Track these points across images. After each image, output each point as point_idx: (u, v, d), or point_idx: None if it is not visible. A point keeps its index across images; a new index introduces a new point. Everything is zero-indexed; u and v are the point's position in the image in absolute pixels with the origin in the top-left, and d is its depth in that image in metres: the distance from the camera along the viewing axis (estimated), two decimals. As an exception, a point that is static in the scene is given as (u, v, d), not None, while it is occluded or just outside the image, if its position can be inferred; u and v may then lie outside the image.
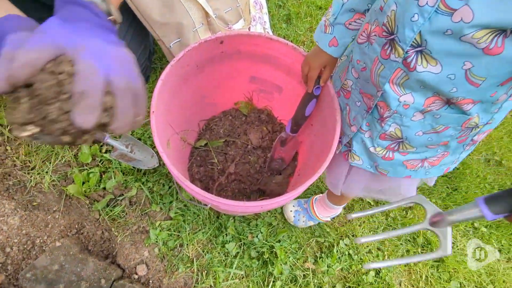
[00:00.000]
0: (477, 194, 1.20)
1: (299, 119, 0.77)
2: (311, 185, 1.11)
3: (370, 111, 0.57)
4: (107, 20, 0.41)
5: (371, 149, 0.61)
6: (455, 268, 1.06)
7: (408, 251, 1.08)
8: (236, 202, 0.57)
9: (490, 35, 0.38)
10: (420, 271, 1.05)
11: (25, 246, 1.01)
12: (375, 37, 0.50)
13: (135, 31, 0.99)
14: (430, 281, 1.04)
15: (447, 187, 1.22)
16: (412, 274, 1.05)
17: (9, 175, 1.05)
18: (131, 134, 1.07)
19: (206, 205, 0.68)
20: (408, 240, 1.10)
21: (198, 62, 0.78)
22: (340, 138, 0.68)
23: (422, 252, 1.08)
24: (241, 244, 0.98)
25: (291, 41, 1.34)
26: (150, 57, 1.13)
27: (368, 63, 0.53)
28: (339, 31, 0.60)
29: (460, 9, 0.38)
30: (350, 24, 0.59)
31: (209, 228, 0.99)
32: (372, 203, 1.12)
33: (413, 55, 0.45)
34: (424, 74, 0.45)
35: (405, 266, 1.06)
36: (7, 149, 1.06)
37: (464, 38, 0.39)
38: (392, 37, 0.46)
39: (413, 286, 1.04)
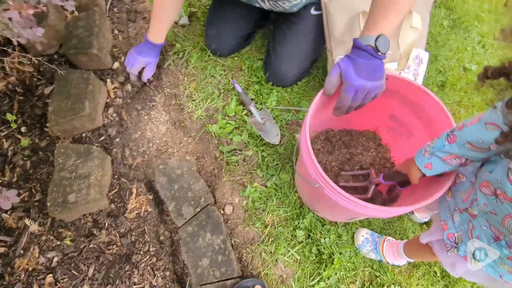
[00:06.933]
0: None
1: (393, 176, 0.90)
2: (392, 225, 1.20)
3: (498, 241, 0.62)
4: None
5: (497, 263, 0.65)
6: None
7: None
8: (350, 195, 0.72)
9: None
10: None
11: (161, 149, 1.33)
12: (506, 200, 0.56)
13: (322, 38, 1.25)
14: None
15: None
16: None
17: (176, 97, 1.40)
18: (271, 112, 1.32)
19: (316, 185, 0.85)
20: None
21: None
22: (456, 244, 0.73)
23: None
24: (309, 236, 1.13)
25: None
26: (313, 62, 1.37)
27: (498, 212, 0.59)
28: (435, 161, 0.73)
29: None
30: (445, 160, 0.71)
31: (290, 210, 1.16)
32: (438, 273, 1.14)
33: None
34: None
35: None
36: (184, 79, 1.41)
37: None
38: None
39: None
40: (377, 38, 0.78)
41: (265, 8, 1.19)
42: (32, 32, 0.72)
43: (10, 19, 0.69)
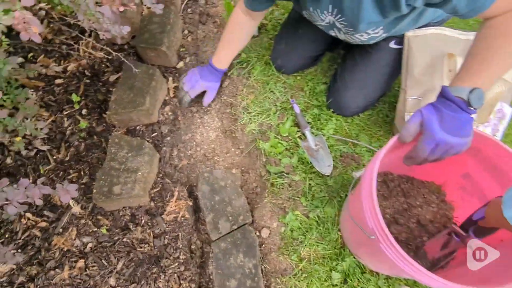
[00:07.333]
0: None
1: (467, 222, 0.79)
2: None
3: None
4: None
5: None
6: None
7: None
8: (414, 261, 0.64)
9: None
10: None
11: (207, 155, 1.32)
12: None
13: (396, 74, 1.18)
14: None
15: None
16: None
17: (231, 106, 1.38)
18: (326, 140, 1.26)
19: (372, 236, 0.78)
20: None
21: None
22: None
23: None
24: (345, 281, 1.05)
25: None
26: (381, 96, 1.29)
27: None
28: None
29: None
30: None
31: (330, 249, 1.08)
32: None
33: None
34: None
35: None
36: (243, 90, 1.39)
37: None
38: None
39: None
40: (471, 91, 0.70)
41: (340, 38, 1.14)
42: (119, 29, 0.73)
43: (102, 13, 0.70)
